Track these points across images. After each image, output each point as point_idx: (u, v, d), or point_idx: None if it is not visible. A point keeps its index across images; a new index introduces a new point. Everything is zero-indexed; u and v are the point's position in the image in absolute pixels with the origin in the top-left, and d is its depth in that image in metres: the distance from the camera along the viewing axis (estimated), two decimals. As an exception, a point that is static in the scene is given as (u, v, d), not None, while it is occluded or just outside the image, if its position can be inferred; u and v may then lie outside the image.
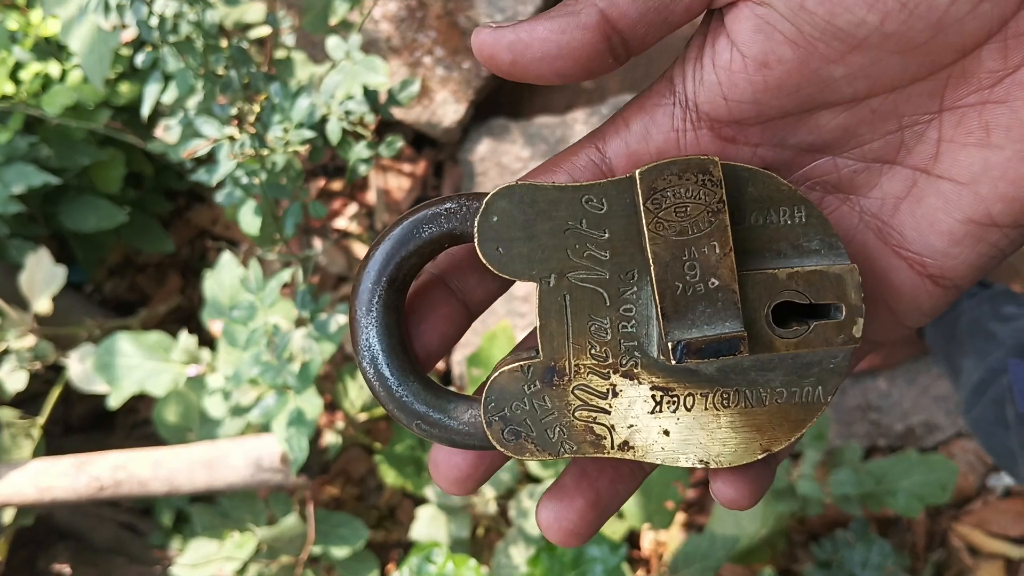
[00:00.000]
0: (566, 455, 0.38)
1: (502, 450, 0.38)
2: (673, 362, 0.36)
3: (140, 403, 1.80)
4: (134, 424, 1.86)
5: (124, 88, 1.44)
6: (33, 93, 1.39)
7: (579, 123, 1.64)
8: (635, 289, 0.37)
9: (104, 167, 1.49)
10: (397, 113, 1.65)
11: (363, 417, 1.55)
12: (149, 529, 1.75)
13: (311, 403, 1.00)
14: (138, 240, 1.65)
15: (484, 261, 0.37)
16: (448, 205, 0.38)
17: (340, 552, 1.39)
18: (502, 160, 1.66)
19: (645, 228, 0.36)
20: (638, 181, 0.36)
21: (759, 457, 0.38)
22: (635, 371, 0.38)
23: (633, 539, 1.67)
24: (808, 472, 1.43)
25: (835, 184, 0.39)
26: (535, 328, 0.38)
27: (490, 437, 0.37)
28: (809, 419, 0.38)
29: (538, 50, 0.34)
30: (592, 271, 0.37)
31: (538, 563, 1.02)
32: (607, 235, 0.37)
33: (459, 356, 1.72)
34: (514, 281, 0.39)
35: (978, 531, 1.61)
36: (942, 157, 0.36)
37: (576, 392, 0.38)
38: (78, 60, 1.25)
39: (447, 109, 1.64)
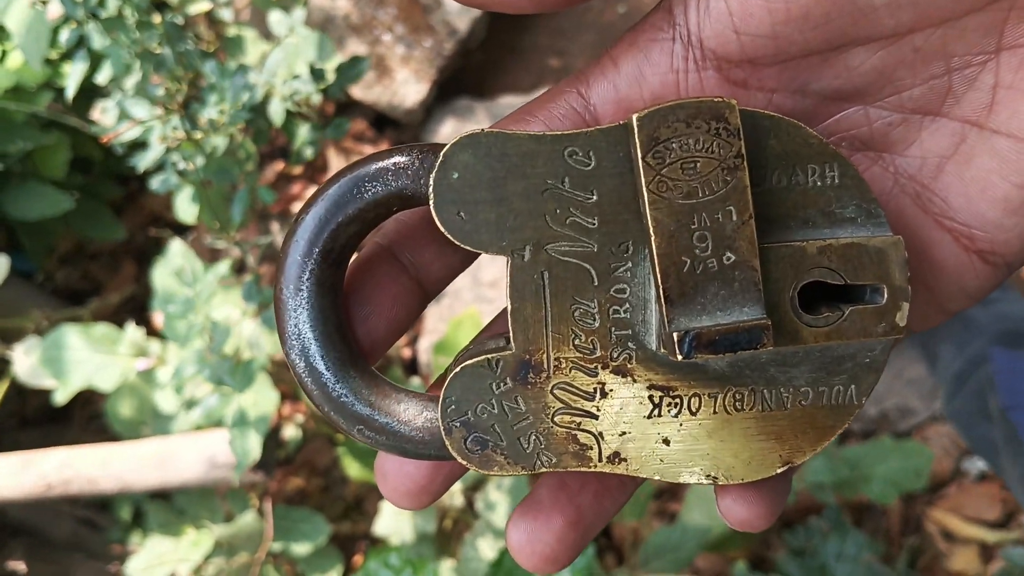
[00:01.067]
0: (544, 469, 0.31)
1: (464, 463, 0.31)
2: (679, 357, 0.29)
3: (95, 394, 1.74)
4: (91, 416, 1.81)
5: (67, 69, 1.38)
6: (-30, 75, 1.33)
7: (545, 103, 1.59)
8: (630, 265, 0.31)
9: (48, 152, 1.42)
10: (357, 93, 1.59)
11: (325, 408, 1.50)
12: (108, 524, 1.70)
13: (261, 398, 0.95)
14: (87, 227, 1.59)
15: (442, 229, 0.30)
16: (397, 159, 0.31)
17: (301, 548, 1.35)
18: (466, 141, 1.61)
19: (644, 189, 0.29)
20: (636, 129, 0.29)
21: (778, 471, 0.32)
22: (629, 366, 0.31)
23: (605, 528, 1.64)
24: (781, 459, 1.40)
25: (866, 140, 0.32)
26: (505, 311, 0.32)
27: (449, 447, 0.31)
28: (839, 425, 0.32)
29: None
30: (577, 242, 0.30)
31: (502, 562, 0.98)
32: (595, 197, 0.30)
33: (427, 343, 1.67)
34: (479, 254, 0.31)
35: (953, 515, 1.59)
36: (998, 107, 0.29)
37: (556, 392, 0.31)
38: (16, 40, 1.19)
39: (408, 89, 1.59)
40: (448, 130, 1.61)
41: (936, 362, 1.22)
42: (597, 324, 0.31)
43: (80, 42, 0.82)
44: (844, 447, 1.47)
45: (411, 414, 0.32)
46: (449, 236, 0.30)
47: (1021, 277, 1.57)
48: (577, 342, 0.31)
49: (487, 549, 1.35)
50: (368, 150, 1.76)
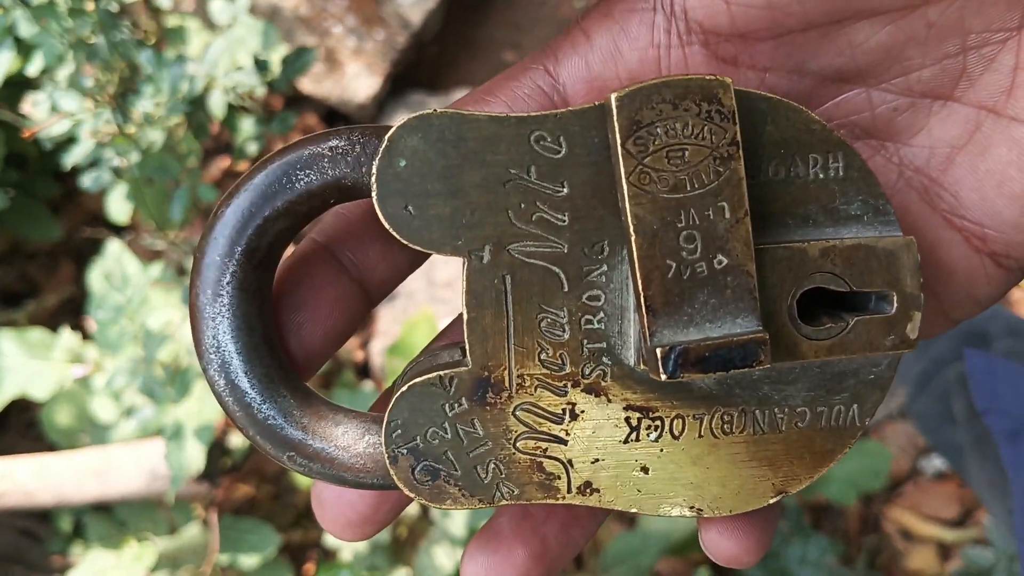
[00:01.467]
0: (504, 502, 0.27)
1: (412, 495, 0.27)
2: (662, 376, 0.25)
3: (33, 402, 1.67)
4: (28, 423, 1.73)
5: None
6: None
7: (501, 98, 1.56)
8: (605, 268, 0.26)
9: (-22, 147, 1.35)
10: (307, 87, 1.54)
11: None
12: (48, 535, 1.63)
13: (202, 408, 0.90)
14: (23, 226, 1.52)
15: (387, 225, 0.26)
16: (334, 142, 0.26)
17: (249, 560, 1.30)
18: (420, 138, 1.57)
19: (624, 180, 0.25)
20: (614, 111, 0.24)
21: (771, 501, 0.28)
22: (603, 384, 0.27)
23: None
24: (742, 461, 1.38)
25: (867, 127, 0.28)
26: (460, 318, 0.27)
27: (395, 477, 0.27)
28: (839, 450, 0.28)
29: None
30: (544, 242, 0.26)
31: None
32: (566, 190, 0.26)
33: (380, 345, 1.63)
34: (429, 254, 0.27)
35: (911, 514, 1.59)
36: (1018, 91, 0.26)
37: (519, 414, 0.27)
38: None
39: (360, 83, 1.54)
40: (401, 126, 1.57)
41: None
42: (567, 336, 0.27)
43: (7, 30, 0.76)
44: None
45: (351, 438, 0.28)
46: (395, 234, 0.26)
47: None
48: (544, 356, 0.27)
49: (443, 557, 1.31)
50: (318, 146, 1.71)
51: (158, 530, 1.31)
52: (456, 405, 0.27)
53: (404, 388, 0.27)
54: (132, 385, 0.82)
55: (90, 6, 0.82)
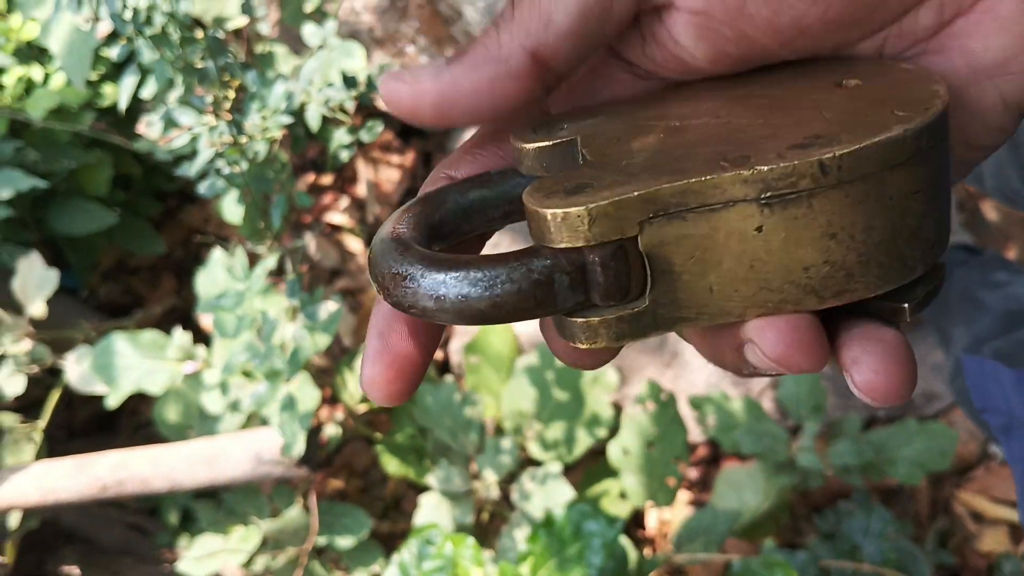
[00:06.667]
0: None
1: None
2: None
3: (141, 404, 1.80)
4: (137, 426, 1.87)
5: (108, 89, 1.44)
6: (17, 97, 1.40)
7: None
8: None
9: (91, 169, 1.49)
10: (382, 105, 1.65)
11: (363, 408, 1.55)
12: (156, 529, 1.76)
13: (305, 391, 1.00)
14: (129, 242, 1.66)
15: None
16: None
17: (345, 542, 1.40)
18: (490, 146, 1.66)
19: None
20: None
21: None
22: None
23: (638, 519, 1.67)
24: (808, 444, 1.43)
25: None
26: None
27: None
28: None
29: (467, 105, 0.29)
30: None
31: (536, 540, 1.02)
32: None
33: (458, 344, 1.72)
34: None
35: (981, 497, 1.61)
36: None
37: None
38: (59, 62, 1.25)
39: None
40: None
41: (949, 344, 1.25)
42: None
43: (131, 57, 0.88)
44: (869, 431, 1.50)
45: None
46: None
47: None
48: None
49: (523, 540, 1.38)
50: (395, 159, 1.81)
51: (261, 514, 1.41)
52: None
53: None
54: (246, 367, 0.93)
55: (200, 34, 0.93)
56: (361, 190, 1.82)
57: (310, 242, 1.63)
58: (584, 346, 0.28)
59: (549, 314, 0.27)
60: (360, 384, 0.30)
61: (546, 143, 0.30)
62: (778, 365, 0.27)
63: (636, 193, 0.26)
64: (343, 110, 0.93)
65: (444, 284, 0.26)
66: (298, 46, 1.59)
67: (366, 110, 1.71)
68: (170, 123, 0.93)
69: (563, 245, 0.26)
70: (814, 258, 0.26)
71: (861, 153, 0.25)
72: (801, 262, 0.26)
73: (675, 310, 0.27)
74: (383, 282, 0.27)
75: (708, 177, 0.26)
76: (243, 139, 0.83)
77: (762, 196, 0.26)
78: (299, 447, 1.00)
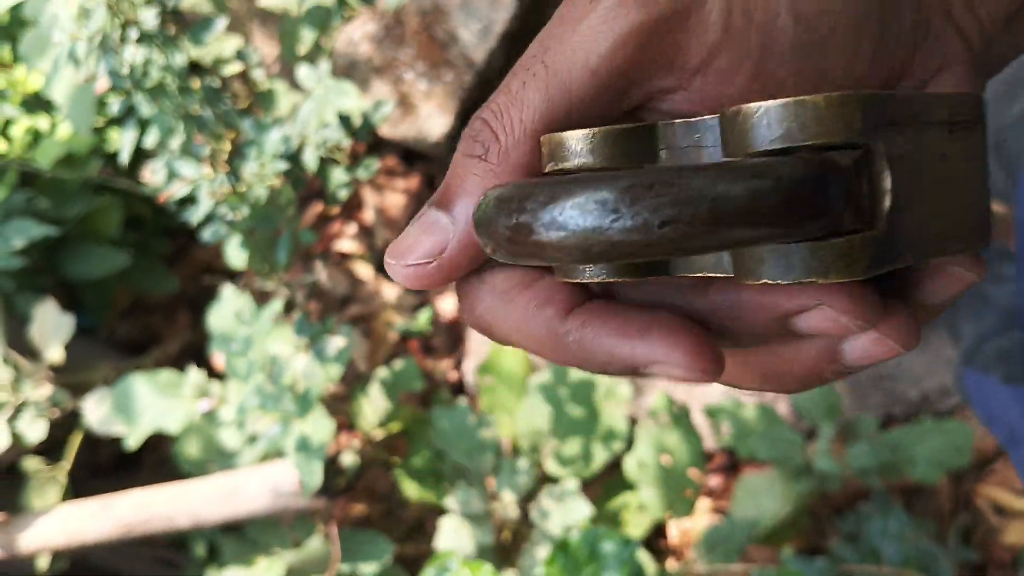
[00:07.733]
0: None
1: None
2: None
3: (162, 440, 1.82)
4: (159, 461, 1.89)
5: (114, 135, 1.47)
6: (25, 147, 1.42)
7: (565, 123, 1.65)
8: None
9: (102, 213, 1.52)
10: (385, 131, 1.66)
11: (380, 434, 1.57)
12: (183, 562, 1.77)
13: (318, 427, 1.02)
14: (142, 281, 1.68)
15: None
16: None
17: (368, 568, 1.41)
18: (492, 167, 1.67)
19: None
20: None
21: None
22: None
23: (661, 529, 1.68)
24: (824, 448, 1.43)
25: None
26: None
27: None
28: None
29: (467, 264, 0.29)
30: None
31: (554, 562, 1.03)
32: None
33: (471, 364, 1.73)
34: None
35: (1003, 490, 1.61)
36: None
37: None
38: (64, 112, 1.28)
39: (433, 123, 1.66)
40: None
41: (958, 340, 1.25)
42: None
43: (130, 111, 0.90)
44: (885, 431, 1.50)
45: None
46: None
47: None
48: None
49: (542, 562, 1.39)
50: (400, 184, 1.83)
51: (284, 545, 1.43)
52: None
53: None
54: (258, 410, 0.94)
55: (196, 83, 0.95)
56: (368, 216, 1.84)
57: (320, 272, 1.65)
58: (832, 280, 0.22)
59: (811, 232, 0.21)
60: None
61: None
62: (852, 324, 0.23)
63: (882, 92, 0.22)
64: (339, 149, 0.94)
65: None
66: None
67: (370, 142, 1.73)
68: (172, 174, 0.95)
69: (825, 140, 0.21)
70: (973, 197, 0.24)
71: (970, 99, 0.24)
72: (964, 204, 0.24)
73: (897, 242, 0.22)
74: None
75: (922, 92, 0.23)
76: (242, 187, 0.84)
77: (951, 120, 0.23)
78: (317, 480, 1.02)
